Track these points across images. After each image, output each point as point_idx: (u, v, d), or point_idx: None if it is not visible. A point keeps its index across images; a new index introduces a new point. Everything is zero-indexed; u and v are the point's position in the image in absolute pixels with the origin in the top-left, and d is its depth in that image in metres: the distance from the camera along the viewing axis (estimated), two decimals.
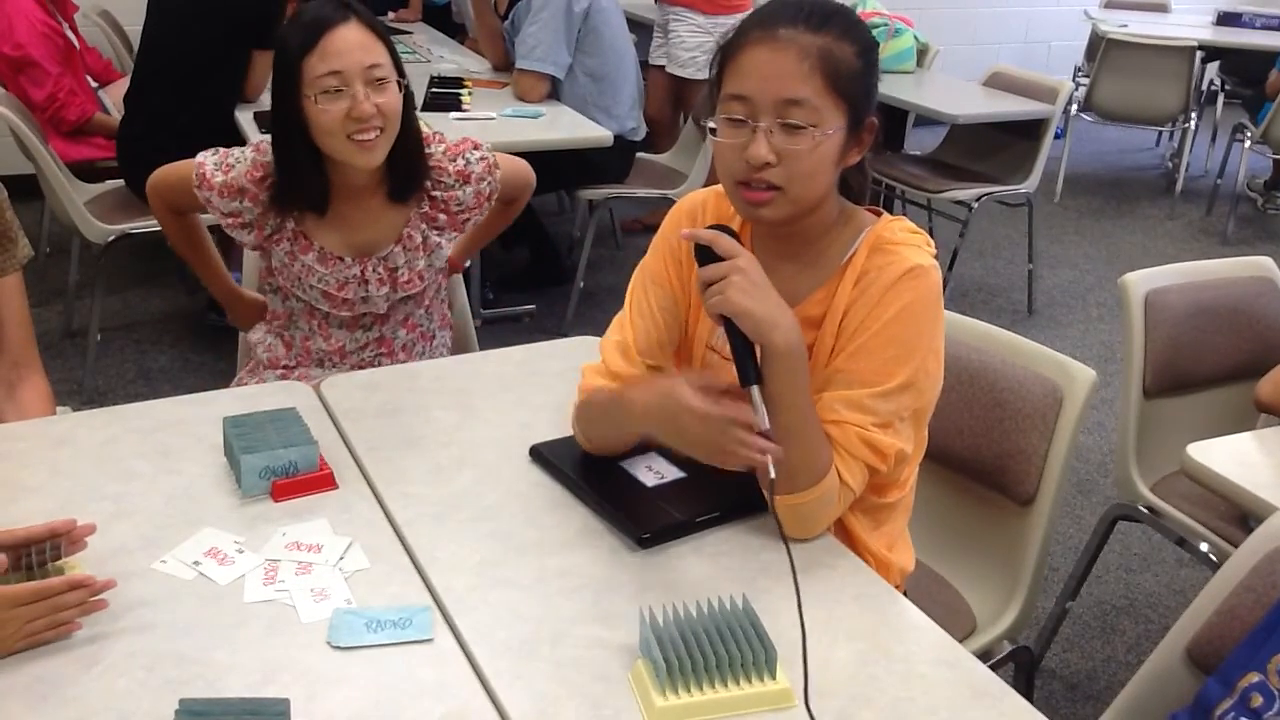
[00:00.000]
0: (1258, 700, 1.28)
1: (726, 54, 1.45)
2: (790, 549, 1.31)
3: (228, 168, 2.04)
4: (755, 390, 1.37)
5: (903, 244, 1.50)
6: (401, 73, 2.00)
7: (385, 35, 1.98)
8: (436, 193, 2.10)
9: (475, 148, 2.13)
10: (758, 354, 1.38)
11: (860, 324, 1.47)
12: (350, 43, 1.91)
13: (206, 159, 2.06)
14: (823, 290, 1.53)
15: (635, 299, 1.65)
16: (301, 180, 2.00)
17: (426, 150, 2.09)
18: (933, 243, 1.53)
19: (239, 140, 3.47)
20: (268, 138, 2.04)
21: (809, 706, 1.18)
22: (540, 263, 4.44)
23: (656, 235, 1.67)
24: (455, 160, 2.10)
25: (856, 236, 1.53)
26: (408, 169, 2.06)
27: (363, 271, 2.09)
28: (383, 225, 2.09)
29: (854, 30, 1.44)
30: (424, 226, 2.11)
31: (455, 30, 5.43)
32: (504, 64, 4.34)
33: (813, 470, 1.42)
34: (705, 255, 1.38)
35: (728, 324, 1.37)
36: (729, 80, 1.44)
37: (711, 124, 1.46)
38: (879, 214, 1.56)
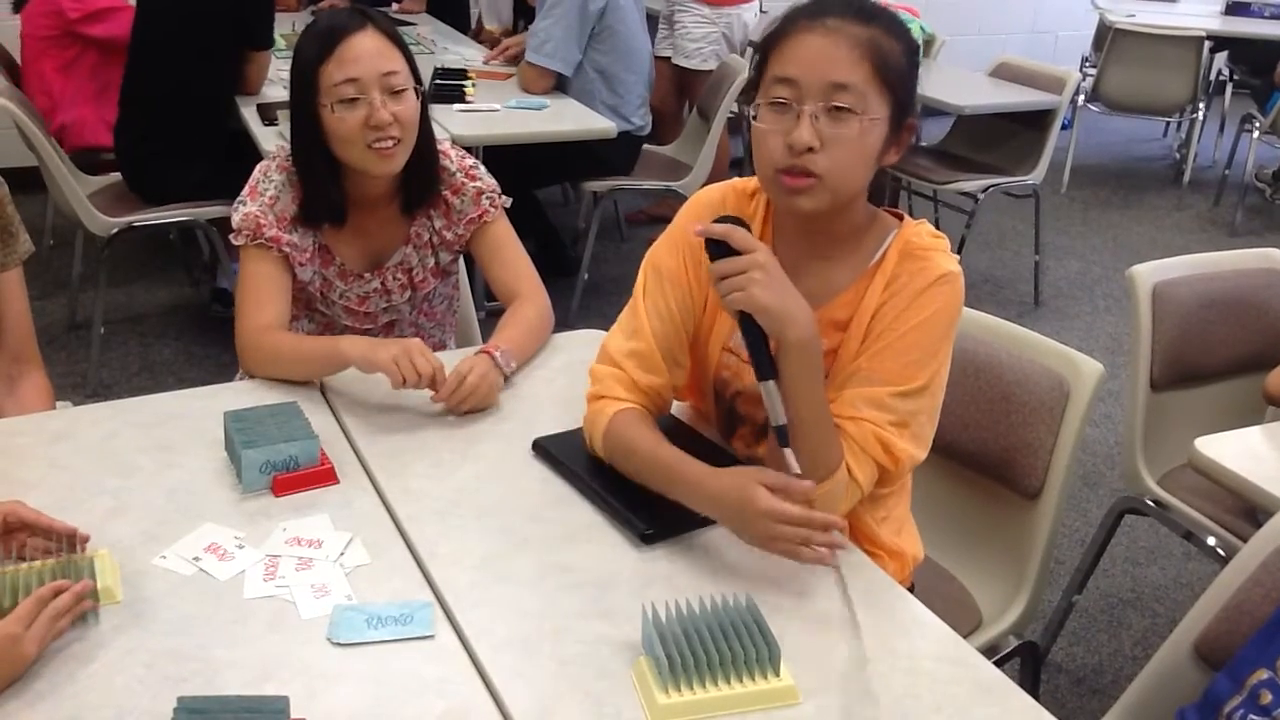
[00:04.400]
0: (1267, 697, 1.27)
1: (771, 41, 1.45)
2: (846, 587, 1.30)
3: (271, 200, 1.93)
4: (771, 385, 1.36)
5: (932, 249, 1.49)
6: (419, 80, 1.96)
7: (402, 43, 1.95)
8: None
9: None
10: (773, 348, 1.37)
11: (888, 325, 1.47)
12: (367, 49, 1.88)
13: (243, 225, 1.91)
14: (850, 293, 1.52)
15: (651, 300, 1.61)
16: (321, 190, 1.97)
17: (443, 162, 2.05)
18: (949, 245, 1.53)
19: (239, 134, 3.47)
20: (265, 161, 2.00)
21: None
22: (545, 255, 4.43)
23: (672, 231, 1.63)
24: (464, 159, 2.09)
25: (883, 239, 1.52)
26: (422, 180, 2.02)
27: (384, 283, 2.07)
28: (395, 231, 2.07)
29: (900, 29, 1.45)
30: (428, 221, 2.09)
31: (460, 22, 5.41)
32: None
33: (823, 465, 1.41)
34: (718, 249, 1.36)
35: (744, 319, 1.36)
36: (774, 64, 1.43)
37: (752, 110, 1.45)
38: (900, 217, 1.55)
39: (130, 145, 3.61)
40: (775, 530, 1.34)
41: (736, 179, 1.64)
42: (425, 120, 1.99)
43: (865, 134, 1.40)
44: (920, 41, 5.15)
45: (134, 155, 3.62)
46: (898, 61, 1.41)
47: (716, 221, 1.37)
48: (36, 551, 1.32)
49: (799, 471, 1.34)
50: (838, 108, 1.38)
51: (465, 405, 1.75)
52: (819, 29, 1.40)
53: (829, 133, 1.39)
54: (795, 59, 1.41)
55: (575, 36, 3.97)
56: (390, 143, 1.89)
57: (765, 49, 1.46)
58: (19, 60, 4.17)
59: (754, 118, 1.44)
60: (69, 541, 1.33)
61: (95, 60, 4.02)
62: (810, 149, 1.39)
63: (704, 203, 1.63)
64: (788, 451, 1.35)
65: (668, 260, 1.62)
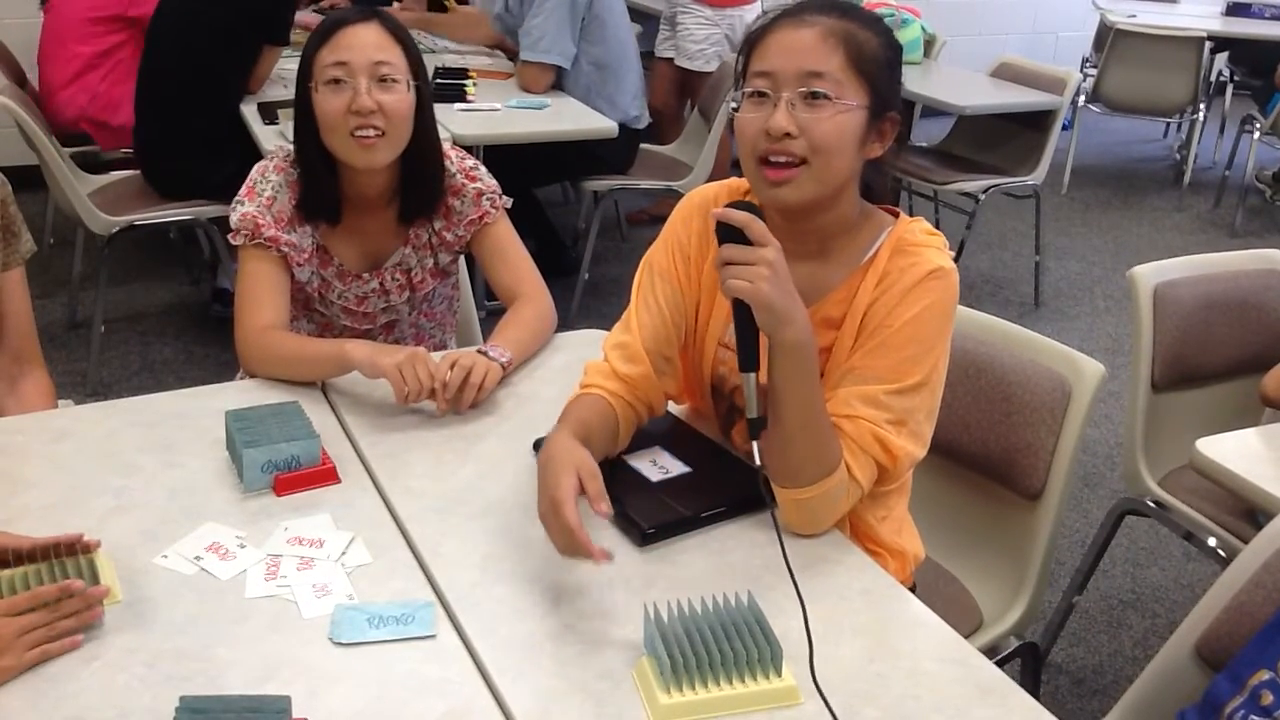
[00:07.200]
0: (1268, 698, 1.27)
1: (751, 40, 1.48)
2: (782, 535, 1.30)
3: (269, 200, 1.93)
4: (751, 378, 1.36)
5: (924, 245, 1.50)
6: (420, 78, 1.95)
7: (408, 42, 1.95)
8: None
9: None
10: (762, 343, 1.37)
11: (881, 322, 1.47)
12: (362, 39, 1.89)
13: (241, 225, 1.91)
14: (843, 290, 1.52)
15: (641, 295, 1.63)
16: (317, 185, 1.96)
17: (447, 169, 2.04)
18: (947, 243, 1.53)
19: (244, 132, 3.47)
20: (262, 162, 2.00)
21: (817, 684, 1.18)
22: (545, 254, 4.43)
23: (664, 229, 1.66)
24: (464, 160, 2.08)
25: (876, 237, 1.53)
26: (422, 190, 2.01)
27: (382, 284, 2.07)
28: (393, 232, 2.06)
29: (878, 25, 1.48)
30: (427, 223, 2.09)
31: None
32: (492, 42, 4.46)
33: (820, 466, 1.42)
34: (728, 236, 1.36)
35: (740, 309, 1.36)
36: (754, 60, 1.46)
37: (734, 103, 1.48)
38: (896, 214, 1.55)
39: (151, 139, 3.60)
40: (546, 519, 1.33)
41: (732, 178, 1.65)
42: (430, 129, 1.99)
43: (842, 120, 1.42)
44: (921, 41, 5.17)
45: (155, 149, 3.61)
46: (874, 53, 1.44)
47: (738, 208, 1.37)
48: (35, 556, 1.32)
49: (760, 465, 1.34)
50: (813, 94, 1.41)
51: (467, 393, 1.74)
52: (793, 23, 1.44)
53: (805, 118, 1.41)
54: (772, 52, 1.44)
55: (568, 29, 3.97)
56: (372, 133, 1.88)
57: (747, 48, 1.49)
58: (37, 49, 4.17)
59: (735, 110, 1.47)
60: (68, 546, 1.32)
61: (134, 49, 4.02)
62: (788, 134, 1.41)
63: (697, 202, 1.64)
64: (755, 445, 1.35)
65: (660, 259, 1.64)
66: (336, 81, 1.87)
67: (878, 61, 1.44)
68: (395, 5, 5.44)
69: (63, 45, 4.06)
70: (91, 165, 3.85)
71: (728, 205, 1.37)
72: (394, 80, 1.89)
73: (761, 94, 1.44)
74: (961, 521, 1.94)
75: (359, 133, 1.87)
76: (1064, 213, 5.78)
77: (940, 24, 5.38)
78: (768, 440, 1.41)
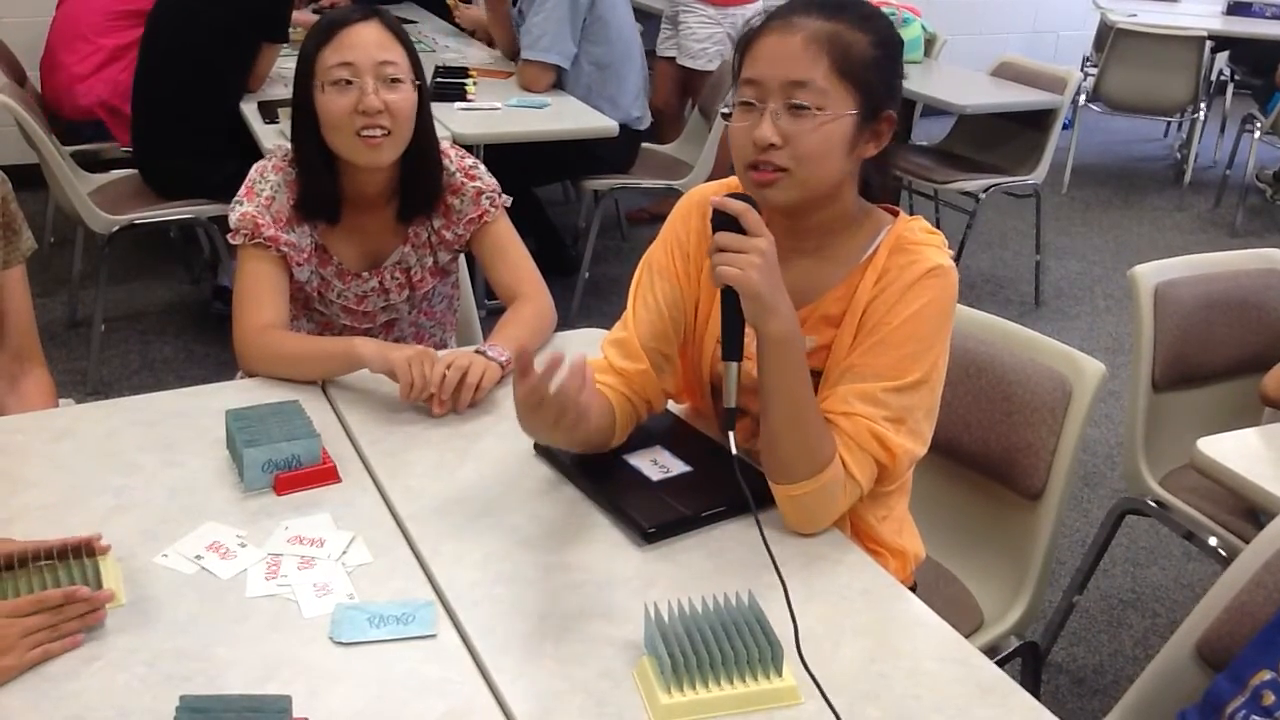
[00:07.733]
0: (1270, 698, 1.27)
1: (744, 43, 1.48)
2: (760, 521, 1.30)
3: (268, 200, 1.93)
4: (733, 367, 1.37)
5: (924, 244, 1.50)
6: (420, 77, 1.95)
7: (407, 41, 1.95)
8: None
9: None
10: (745, 334, 1.38)
11: (879, 320, 1.47)
12: (366, 38, 1.89)
13: (240, 225, 1.91)
14: (842, 288, 1.52)
15: (640, 292, 1.64)
16: (317, 184, 1.96)
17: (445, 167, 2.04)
18: (946, 241, 1.53)
19: (244, 131, 3.47)
20: (261, 162, 2.00)
21: (803, 658, 1.18)
22: (545, 253, 4.42)
23: (663, 228, 1.66)
24: (464, 159, 2.08)
25: (875, 235, 1.53)
26: (421, 189, 2.01)
27: (381, 283, 2.07)
28: (393, 231, 2.06)
29: (871, 21, 1.45)
30: (427, 221, 2.09)
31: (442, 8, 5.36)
32: (514, 51, 4.35)
33: (812, 461, 1.42)
34: (723, 225, 1.36)
35: (727, 297, 1.37)
36: (745, 66, 1.46)
37: (725, 109, 1.48)
38: (896, 213, 1.55)
39: (150, 139, 3.60)
40: (521, 403, 1.37)
41: (731, 177, 1.65)
42: (428, 127, 1.99)
43: (827, 130, 1.41)
44: (922, 40, 5.16)
45: (154, 149, 3.60)
46: (863, 54, 1.42)
47: (733, 198, 1.37)
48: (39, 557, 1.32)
49: (735, 453, 1.34)
50: (796, 105, 1.40)
51: (464, 393, 1.75)
52: (781, 28, 1.43)
53: (789, 129, 1.41)
54: (759, 60, 1.44)
55: (569, 29, 3.96)
56: (379, 132, 1.88)
57: (740, 51, 1.48)
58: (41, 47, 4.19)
59: (728, 116, 1.47)
60: (75, 548, 1.32)
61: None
62: (772, 145, 1.41)
63: (696, 201, 1.64)
64: (730, 435, 1.35)
65: (659, 257, 1.65)
66: (346, 82, 1.87)
67: (865, 63, 1.42)
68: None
69: (85, 39, 4.09)
70: (92, 164, 3.84)
71: (727, 196, 1.38)
72: (399, 80, 1.90)
73: (749, 103, 1.44)
74: (962, 521, 1.94)
75: (365, 132, 1.87)
76: (1064, 212, 5.78)
77: (940, 23, 5.38)
78: (760, 437, 1.41)
